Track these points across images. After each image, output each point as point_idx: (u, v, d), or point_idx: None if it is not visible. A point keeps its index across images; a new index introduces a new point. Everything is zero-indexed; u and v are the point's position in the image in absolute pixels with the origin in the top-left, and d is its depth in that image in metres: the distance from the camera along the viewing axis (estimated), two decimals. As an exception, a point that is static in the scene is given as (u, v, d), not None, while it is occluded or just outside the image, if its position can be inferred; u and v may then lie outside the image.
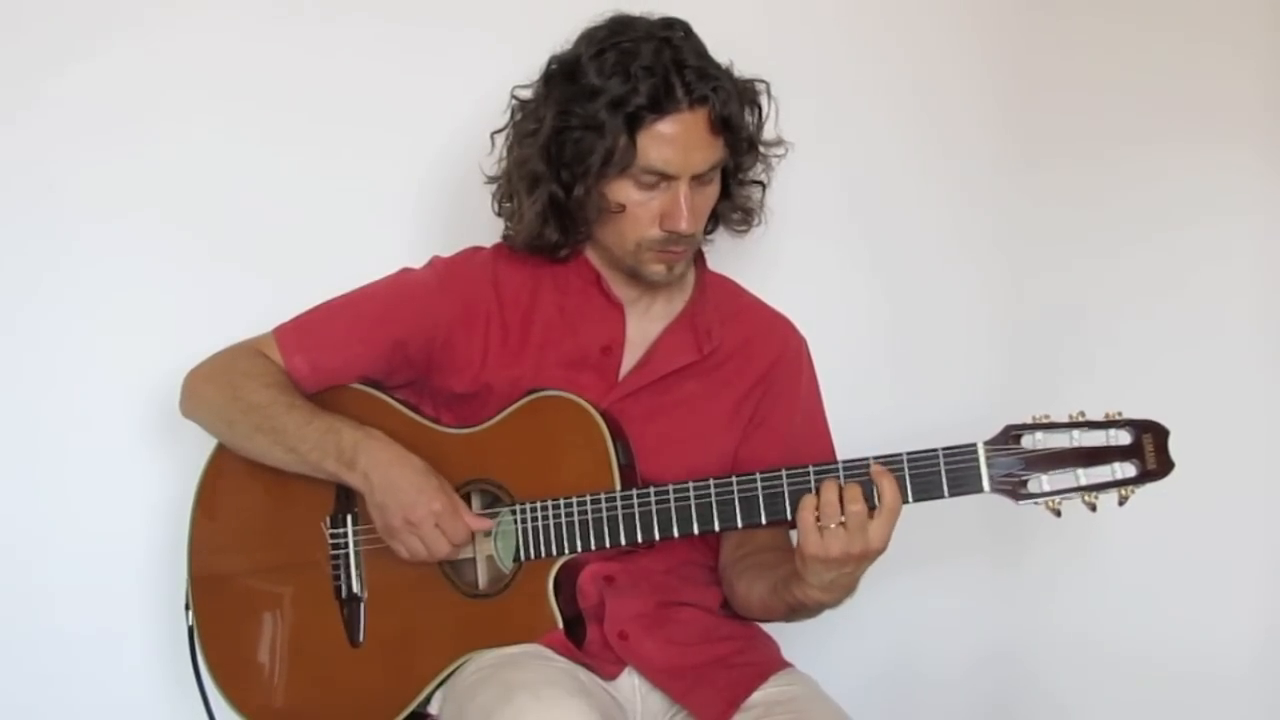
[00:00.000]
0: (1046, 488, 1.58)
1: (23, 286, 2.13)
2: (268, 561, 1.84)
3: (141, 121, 2.13)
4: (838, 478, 1.61)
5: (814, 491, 1.60)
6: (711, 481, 1.67)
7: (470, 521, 1.71)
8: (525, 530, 1.72)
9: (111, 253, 2.14)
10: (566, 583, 1.74)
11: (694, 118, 1.70)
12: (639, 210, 1.74)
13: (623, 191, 1.73)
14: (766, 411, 1.87)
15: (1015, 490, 1.58)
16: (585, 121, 1.71)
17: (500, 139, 1.85)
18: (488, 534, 1.75)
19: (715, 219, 1.87)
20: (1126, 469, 1.57)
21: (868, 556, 1.60)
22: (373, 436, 1.73)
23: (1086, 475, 1.57)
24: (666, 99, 1.69)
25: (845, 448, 1.88)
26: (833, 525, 1.57)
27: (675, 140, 1.70)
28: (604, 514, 1.69)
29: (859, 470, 1.61)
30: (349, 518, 1.79)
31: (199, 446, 1.87)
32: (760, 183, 1.87)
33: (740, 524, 1.66)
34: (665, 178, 1.72)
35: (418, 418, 1.80)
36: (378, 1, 2.19)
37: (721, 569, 1.88)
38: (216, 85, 2.14)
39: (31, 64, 2.11)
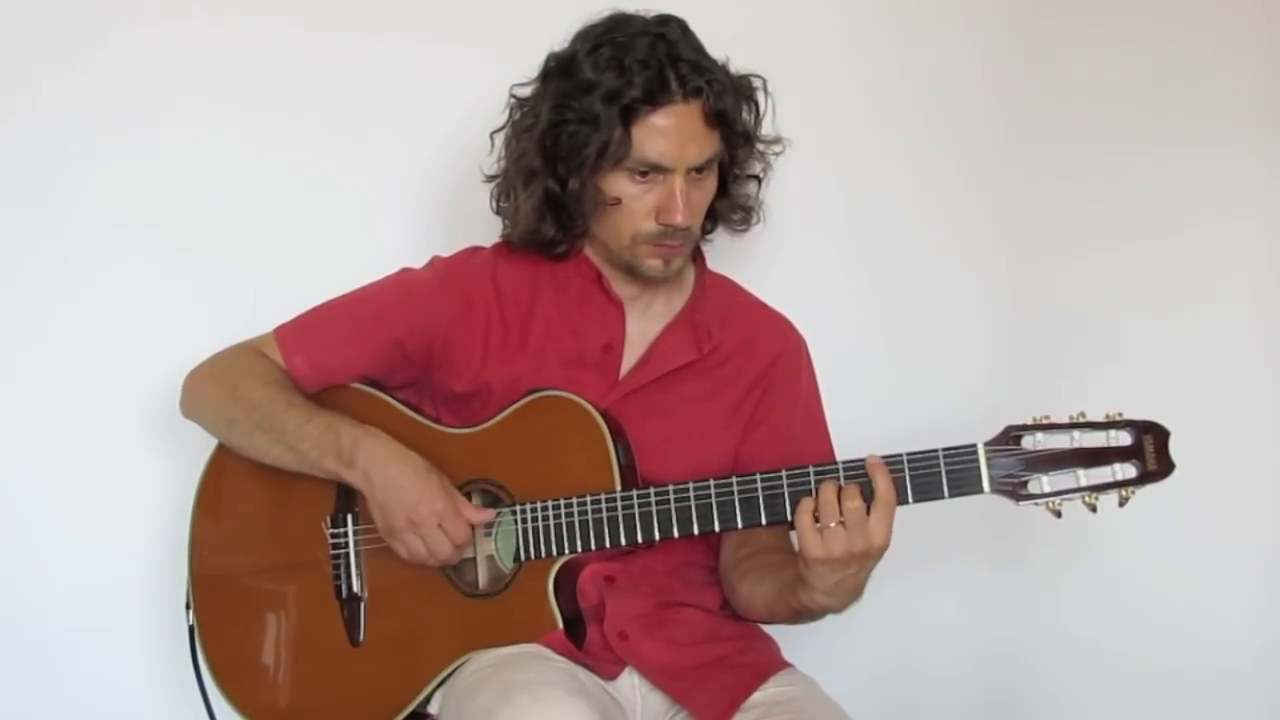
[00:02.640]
0: (1047, 489, 1.57)
1: (25, 288, 2.13)
2: (268, 561, 1.84)
3: (142, 125, 2.13)
4: (837, 478, 1.61)
5: (813, 493, 1.60)
6: (711, 482, 1.67)
7: (471, 516, 1.71)
8: (525, 530, 1.72)
9: (113, 254, 2.14)
10: (567, 583, 1.74)
11: (688, 110, 1.71)
12: (634, 203, 1.74)
13: (618, 185, 1.74)
14: (766, 410, 1.87)
15: (1015, 491, 1.58)
16: (581, 115, 1.71)
17: (499, 138, 1.85)
18: (487, 531, 1.75)
19: (714, 218, 1.87)
20: (1127, 470, 1.57)
21: (871, 554, 1.59)
22: (371, 434, 1.73)
23: (1087, 476, 1.57)
24: (661, 91, 1.69)
25: (845, 448, 1.88)
26: (832, 525, 1.57)
27: (670, 132, 1.70)
28: (604, 514, 1.69)
29: (858, 470, 1.61)
30: (349, 517, 1.79)
31: (199, 447, 1.87)
32: (756, 178, 1.87)
33: (740, 524, 1.66)
34: (660, 170, 1.72)
35: (418, 417, 1.80)
36: (376, 4, 2.19)
37: (722, 570, 1.88)
38: (217, 89, 2.14)
39: (34, 67, 2.11)
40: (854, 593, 1.65)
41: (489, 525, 1.74)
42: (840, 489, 1.58)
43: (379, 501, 1.71)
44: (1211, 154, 2.30)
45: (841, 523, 1.57)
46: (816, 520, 1.58)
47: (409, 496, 1.69)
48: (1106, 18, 2.31)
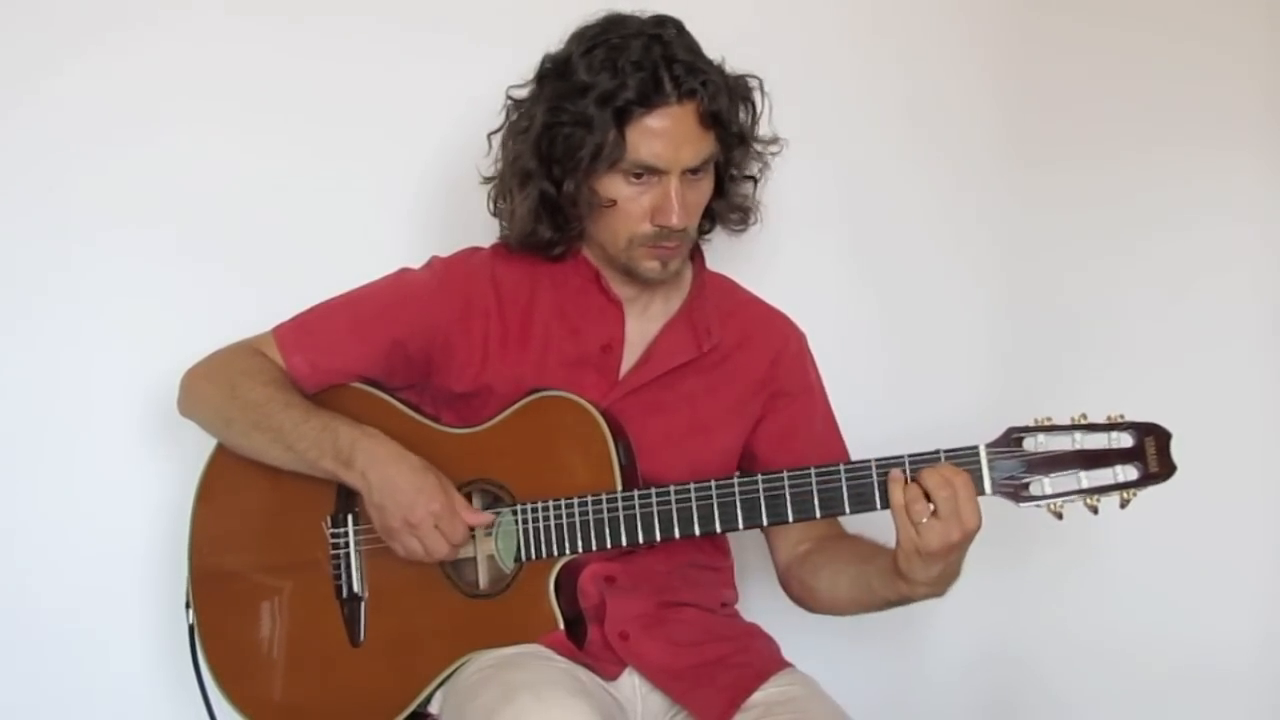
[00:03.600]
0: (1048, 490, 1.58)
1: (24, 286, 2.12)
2: (268, 560, 1.84)
3: (141, 124, 2.12)
4: (903, 473, 1.59)
5: (888, 488, 1.59)
6: (713, 483, 1.67)
7: (469, 518, 1.71)
8: (526, 530, 1.72)
9: (113, 253, 2.14)
10: (567, 583, 1.74)
11: (683, 112, 1.70)
12: (630, 205, 1.74)
13: (613, 187, 1.74)
14: (783, 410, 1.88)
15: (1017, 493, 1.58)
16: (575, 117, 1.71)
17: (496, 140, 1.85)
18: (488, 531, 1.74)
19: (712, 217, 1.87)
20: (1128, 472, 1.57)
21: (967, 538, 1.58)
22: (369, 435, 1.72)
23: (1088, 478, 1.57)
24: (655, 93, 1.69)
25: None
26: (925, 520, 1.56)
27: (664, 134, 1.70)
28: (605, 514, 1.69)
29: (861, 472, 1.62)
30: (349, 517, 1.79)
31: (199, 446, 1.87)
32: (753, 178, 1.87)
33: (741, 525, 1.66)
34: (655, 172, 1.72)
35: (418, 417, 1.80)
36: (375, 4, 2.19)
37: (784, 569, 1.88)
38: (216, 87, 2.14)
39: (34, 64, 2.10)
40: (955, 576, 1.65)
41: (488, 525, 1.74)
42: (920, 482, 1.57)
43: (376, 502, 1.70)
44: (1212, 153, 2.30)
45: (934, 514, 1.56)
46: (910, 517, 1.57)
47: (406, 497, 1.68)
48: (1106, 17, 2.30)
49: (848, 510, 1.63)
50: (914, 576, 1.61)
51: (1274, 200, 2.30)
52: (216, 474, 1.86)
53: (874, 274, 2.30)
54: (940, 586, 1.65)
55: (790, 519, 1.64)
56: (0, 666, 2.12)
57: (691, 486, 1.67)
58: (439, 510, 1.68)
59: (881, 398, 2.23)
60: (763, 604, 1.96)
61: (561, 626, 1.71)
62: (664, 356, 1.83)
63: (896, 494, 1.58)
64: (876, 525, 1.71)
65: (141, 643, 2.14)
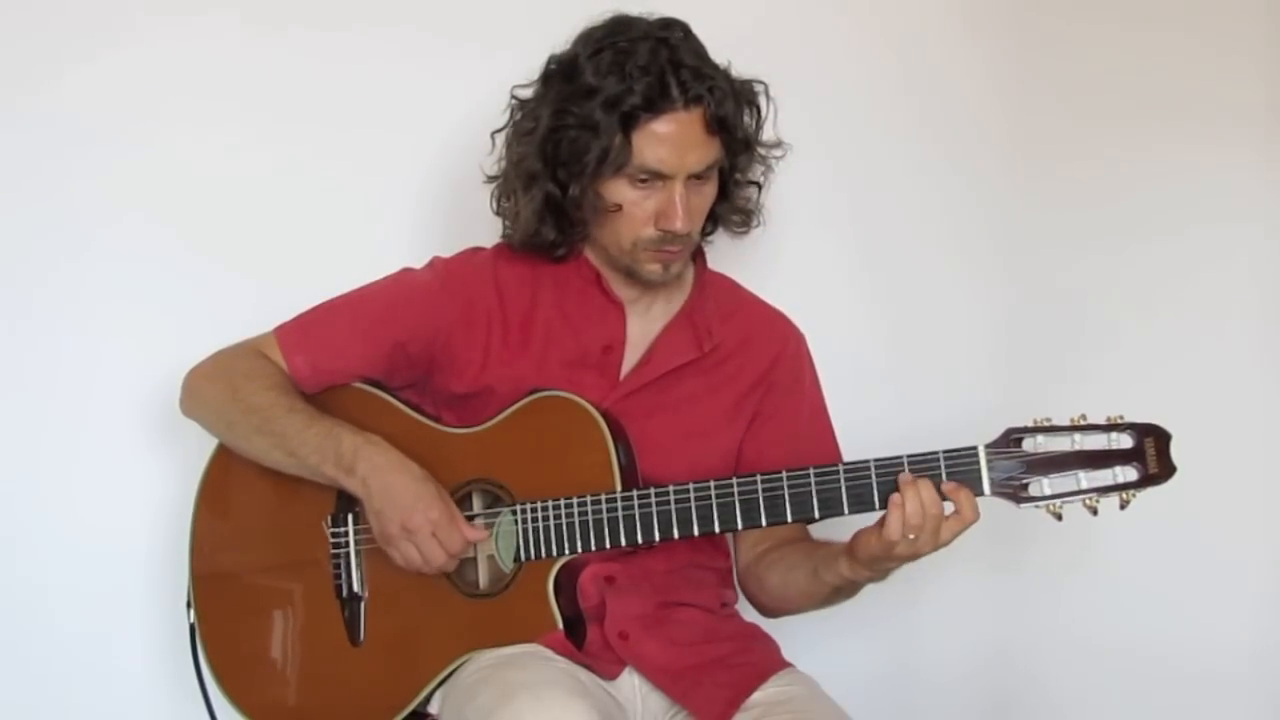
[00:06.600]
0: (1048, 491, 1.57)
1: (26, 286, 2.13)
2: (269, 560, 1.85)
3: (143, 124, 2.13)
4: (908, 478, 1.59)
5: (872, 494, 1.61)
6: (712, 483, 1.67)
7: (467, 533, 1.71)
8: (526, 530, 1.72)
9: (114, 253, 2.14)
10: (567, 583, 1.74)
11: (689, 117, 1.70)
12: (635, 210, 1.74)
13: (618, 191, 1.74)
14: (772, 409, 1.88)
15: (1016, 494, 1.58)
16: (581, 121, 1.71)
17: (501, 139, 1.85)
18: (489, 531, 1.74)
19: (715, 220, 1.87)
20: (1128, 473, 1.57)
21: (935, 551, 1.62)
22: (372, 442, 1.72)
23: (1088, 479, 1.57)
24: (661, 98, 1.69)
25: (846, 449, 1.89)
26: (911, 536, 1.58)
27: (670, 140, 1.70)
28: (604, 515, 1.69)
29: (860, 473, 1.62)
30: (350, 516, 1.79)
31: (200, 446, 1.87)
32: (756, 183, 1.87)
33: (740, 526, 1.66)
34: (660, 177, 1.72)
35: (420, 417, 1.80)
36: (378, 4, 2.19)
37: (744, 569, 1.89)
38: (218, 89, 2.14)
39: (36, 65, 2.11)
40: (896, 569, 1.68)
41: (489, 525, 1.74)
42: (916, 488, 1.58)
43: (375, 509, 1.70)
44: (1213, 152, 2.30)
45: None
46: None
47: (404, 504, 1.68)
48: (1107, 17, 2.30)
49: (846, 511, 1.63)
50: (872, 567, 1.65)
51: (1275, 198, 2.29)
52: (218, 474, 1.86)
53: (874, 274, 2.30)
54: (885, 576, 1.68)
55: (789, 519, 1.64)
56: (2, 667, 2.12)
57: (690, 487, 1.67)
58: (437, 519, 1.68)
59: (881, 398, 2.23)
60: (762, 604, 1.96)
61: (560, 627, 1.71)
62: (665, 357, 1.83)
63: (895, 506, 1.59)
64: (846, 528, 1.71)
65: (142, 642, 2.14)
